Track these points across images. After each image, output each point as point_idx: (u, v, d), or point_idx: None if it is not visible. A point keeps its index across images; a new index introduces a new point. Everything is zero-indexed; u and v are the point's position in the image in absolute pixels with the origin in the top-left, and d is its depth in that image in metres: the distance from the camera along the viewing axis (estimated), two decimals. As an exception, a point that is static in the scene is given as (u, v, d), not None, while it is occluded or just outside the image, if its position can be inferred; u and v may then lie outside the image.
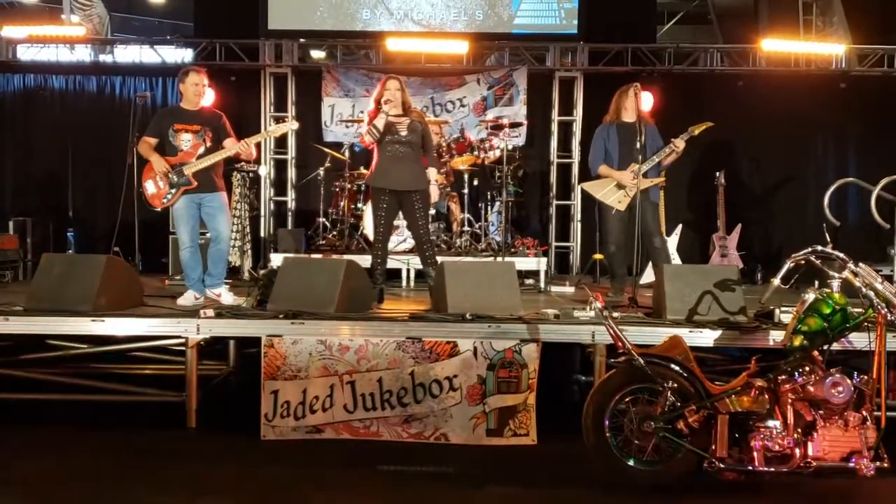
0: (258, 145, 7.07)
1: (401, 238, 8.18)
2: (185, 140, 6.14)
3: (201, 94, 6.26)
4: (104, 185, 10.28)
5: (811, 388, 4.07)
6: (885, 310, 4.00)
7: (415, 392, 5.07)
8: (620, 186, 6.58)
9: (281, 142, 10.45)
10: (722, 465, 4.11)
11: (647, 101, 6.75)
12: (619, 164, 6.62)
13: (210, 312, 5.44)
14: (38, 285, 5.69)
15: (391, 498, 4.26)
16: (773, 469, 4.08)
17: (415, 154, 6.48)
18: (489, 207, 8.93)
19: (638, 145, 6.33)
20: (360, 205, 8.75)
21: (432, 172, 6.60)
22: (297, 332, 5.17)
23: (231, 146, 6.18)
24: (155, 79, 10.48)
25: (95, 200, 10.44)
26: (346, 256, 6.97)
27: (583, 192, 7.04)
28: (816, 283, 4.63)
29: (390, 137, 6.39)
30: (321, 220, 9.12)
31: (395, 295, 7.47)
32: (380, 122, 6.28)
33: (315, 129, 10.20)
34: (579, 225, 10.30)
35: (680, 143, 6.51)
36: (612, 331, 4.35)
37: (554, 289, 7.98)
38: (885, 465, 4.02)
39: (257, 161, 9.39)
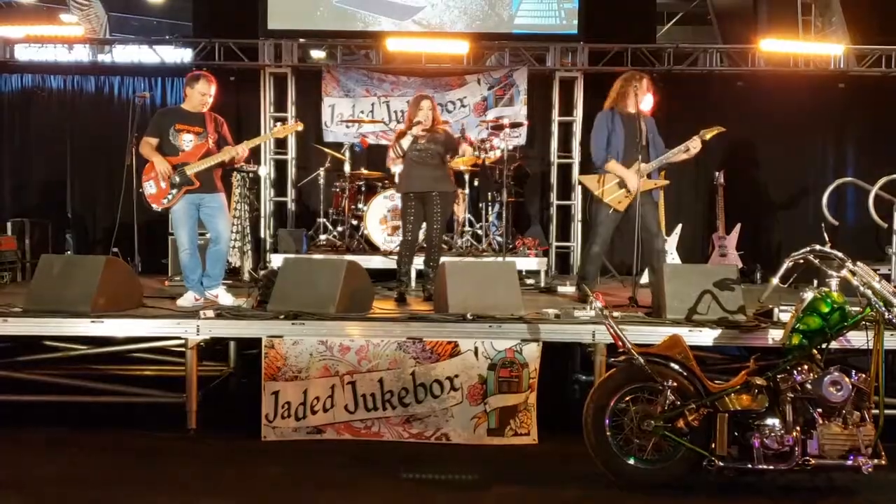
0: (259, 146, 7.03)
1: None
2: (187, 140, 6.14)
3: (207, 103, 6.25)
4: (103, 185, 10.26)
5: (810, 387, 4.10)
6: (883, 308, 4.02)
7: (416, 392, 5.08)
8: (622, 185, 6.29)
9: (281, 142, 10.43)
10: (722, 464, 4.14)
11: (648, 101, 6.52)
12: (623, 159, 6.30)
13: (210, 313, 5.44)
14: (36, 286, 5.68)
15: (392, 498, 4.26)
16: (772, 467, 4.11)
17: (436, 159, 6.61)
18: (490, 208, 8.92)
19: (644, 141, 6.20)
20: (360, 205, 8.75)
21: (468, 149, 7.10)
22: (297, 333, 5.17)
23: (229, 150, 6.18)
24: (154, 79, 10.43)
25: (94, 201, 10.40)
26: (346, 257, 6.98)
27: (581, 185, 6.88)
28: (815, 282, 4.67)
29: (413, 146, 6.57)
30: (322, 220, 9.10)
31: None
32: (405, 143, 6.53)
33: (315, 130, 10.17)
34: (580, 225, 10.27)
35: (696, 145, 6.23)
36: (612, 330, 4.37)
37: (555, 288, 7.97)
38: (883, 462, 4.05)
39: (258, 161, 9.42)
